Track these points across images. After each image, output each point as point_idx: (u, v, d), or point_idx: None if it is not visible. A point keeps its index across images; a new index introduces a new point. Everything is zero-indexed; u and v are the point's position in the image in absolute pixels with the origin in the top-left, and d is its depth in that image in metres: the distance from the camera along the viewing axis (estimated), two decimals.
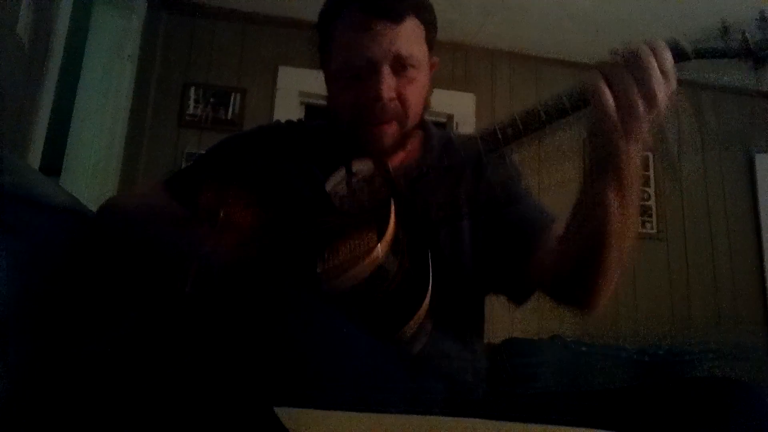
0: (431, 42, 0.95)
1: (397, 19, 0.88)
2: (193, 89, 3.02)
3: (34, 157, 1.73)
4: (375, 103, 0.88)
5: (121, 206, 1.00)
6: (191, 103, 3.01)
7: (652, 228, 3.20)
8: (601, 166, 0.75)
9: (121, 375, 0.63)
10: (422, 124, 1.01)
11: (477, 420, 0.50)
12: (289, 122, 1.09)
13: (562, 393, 0.75)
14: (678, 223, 3.28)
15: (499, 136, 0.79)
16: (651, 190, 3.31)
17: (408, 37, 0.89)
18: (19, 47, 1.55)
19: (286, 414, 0.45)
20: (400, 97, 0.90)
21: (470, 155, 1.00)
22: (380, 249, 0.72)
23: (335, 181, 0.87)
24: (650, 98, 0.71)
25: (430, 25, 0.94)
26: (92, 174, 2.36)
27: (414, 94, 0.91)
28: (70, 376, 0.70)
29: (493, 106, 3.28)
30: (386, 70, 0.87)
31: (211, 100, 3.03)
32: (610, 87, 0.72)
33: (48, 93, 1.77)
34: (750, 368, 2.71)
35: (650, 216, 3.27)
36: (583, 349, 2.60)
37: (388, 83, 0.87)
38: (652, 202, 3.30)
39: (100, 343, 0.72)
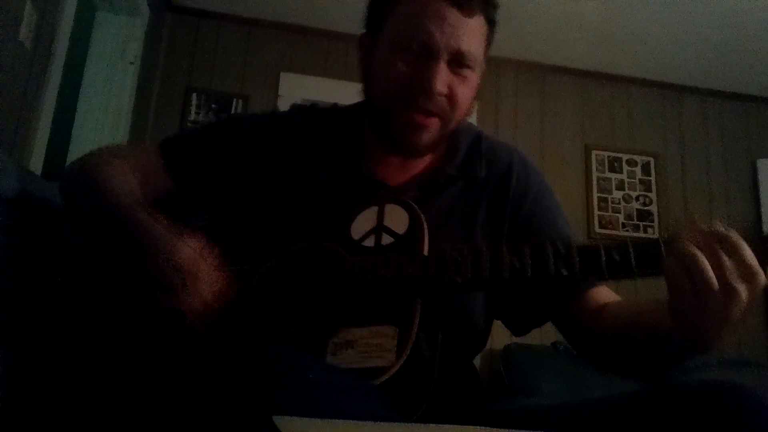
0: (490, 43, 0.89)
1: (469, 13, 0.82)
2: (195, 95, 3.03)
3: (36, 161, 1.73)
4: (424, 93, 0.82)
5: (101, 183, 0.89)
6: (193, 108, 3.01)
7: (653, 234, 3.19)
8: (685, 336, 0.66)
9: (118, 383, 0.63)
10: None
11: (477, 428, 0.50)
12: (302, 108, 1.00)
13: (564, 405, 0.71)
14: (680, 228, 3.27)
15: (551, 265, 0.67)
16: (653, 195, 3.31)
17: (473, 34, 0.83)
18: (21, 51, 1.56)
19: (284, 423, 0.44)
20: (450, 95, 0.84)
21: (500, 166, 0.92)
22: (394, 368, 0.64)
23: (363, 227, 0.79)
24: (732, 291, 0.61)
25: (493, 25, 0.88)
26: None
27: (464, 95, 0.85)
28: (55, 385, 0.68)
29: (497, 113, 3.29)
30: (443, 63, 0.82)
31: (213, 106, 3.03)
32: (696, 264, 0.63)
33: (50, 97, 1.77)
34: (753, 375, 2.70)
35: (652, 221, 3.26)
36: None
37: (442, 77, 0.82)
38: (654, 207, 3.29)
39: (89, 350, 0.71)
